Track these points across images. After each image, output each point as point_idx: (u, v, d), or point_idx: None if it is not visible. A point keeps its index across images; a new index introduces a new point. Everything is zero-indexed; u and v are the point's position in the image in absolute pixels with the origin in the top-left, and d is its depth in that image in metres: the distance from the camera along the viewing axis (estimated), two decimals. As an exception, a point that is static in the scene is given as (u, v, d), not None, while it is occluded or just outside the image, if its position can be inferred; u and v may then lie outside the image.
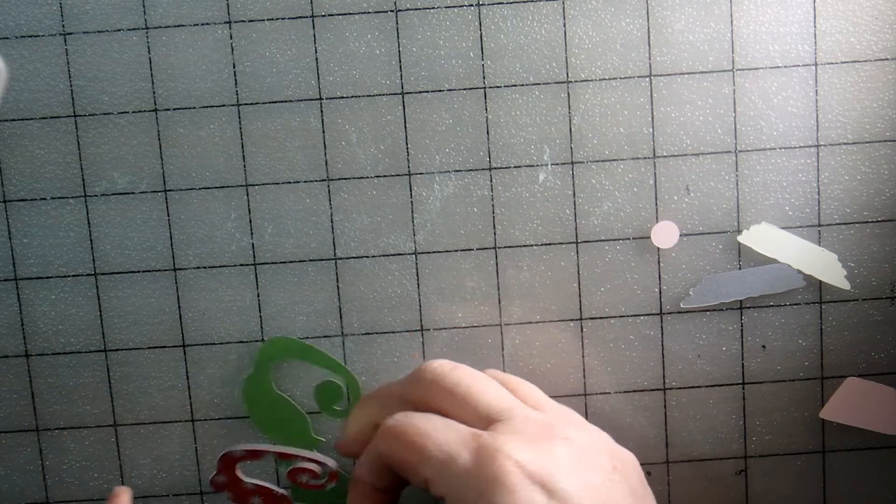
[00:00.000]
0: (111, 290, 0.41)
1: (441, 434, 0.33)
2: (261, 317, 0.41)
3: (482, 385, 0.35)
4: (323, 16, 0.39)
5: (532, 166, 0.40)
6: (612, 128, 0.40)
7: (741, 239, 0.40)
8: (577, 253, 0.41)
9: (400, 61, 0.40)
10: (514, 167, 0.40)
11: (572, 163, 0.40)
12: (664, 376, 0.41)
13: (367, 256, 0.41)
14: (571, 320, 0.41)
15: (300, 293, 0.41)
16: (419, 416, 0.34)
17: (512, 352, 0.41)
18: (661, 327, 0.41)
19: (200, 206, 0.40)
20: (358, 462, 0.36)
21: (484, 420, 0.34)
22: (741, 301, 0.41)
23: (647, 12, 0.39)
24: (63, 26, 0.39)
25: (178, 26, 0.39)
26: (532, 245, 0.41)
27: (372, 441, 0.35)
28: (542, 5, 0.39)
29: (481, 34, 0.39)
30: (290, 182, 0.40)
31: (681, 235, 0.40)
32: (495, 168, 0.40)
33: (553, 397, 0.41)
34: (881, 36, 0.39)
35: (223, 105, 0.40)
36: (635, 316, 0.41)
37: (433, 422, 0.33)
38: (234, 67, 0.40)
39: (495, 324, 0.41)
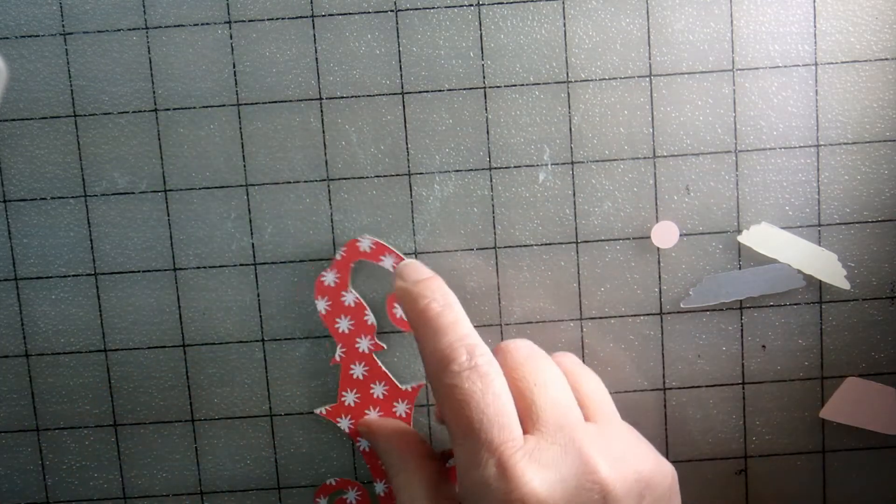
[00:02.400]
0: (111, 290, 0.41)
1: (489, 425, 0.32)
2: (261, 317, 0.41)
3: (545, 386, 0.34)
4: (323, 16, 0.39)
5: (532, 166, 0.40)
6: (612, 128, 0.40)
7: (741, 239, 0.40)
8: (577, 253, 0.41)
9: (400, 61, 0.40)
10: (514, 167, 0.40)
11: (572, 163, 0.40)
12: (664, 376, 0.41)
13: (367, 256, 0.41)
14: (571, 320, 0.41)
15: (300, 293, 0.41)
16: (489, 381, 0.32)
17: (512, 352, 0.41)
18: (661, 327, 0.41)
19: (200, 206, 0.40)
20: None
21: (532, 425, 0.33)
22: (741, 301, 0.41)
23: (647, 12, 0.39)
24: (63, 26, 0.39)
25: (178, 26, 0.39)
26: (532, 245, 0.41)
27: (433, 350, 0.34)
28: (542, 5, 0.39)
29: (481, 34, 0.39)
30: (290, 182, 0.40)
31: (681, 235, 0.40)
32: (495, 168, 0.40)
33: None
34: (881, 36, 0.39)
35: (223, 105, 0.40)
36: (635, 316, 0.41)
37: (490, 402, 0.32)
38: (234, 67, 0.40)
39: (495, 324, 0.41)
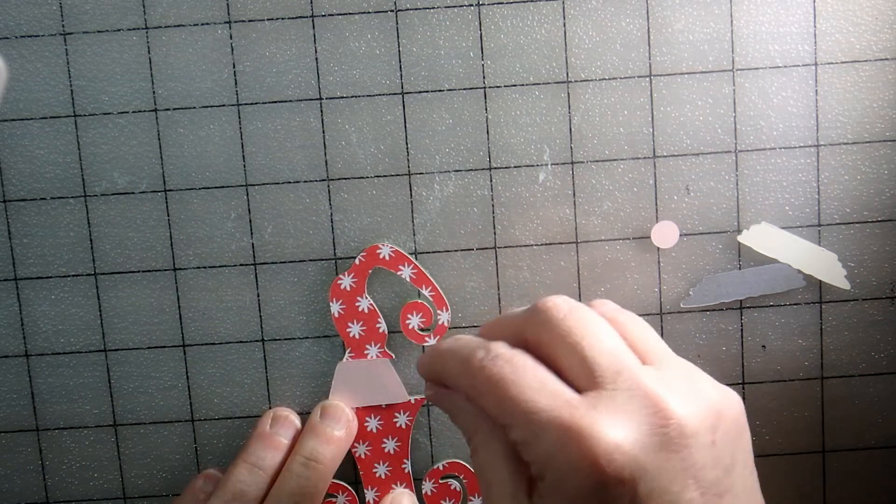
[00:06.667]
0: (111, 290, 0.41)
1: (535, 395, 0.30)
2: (261, 317, 0.41)
3: (595, 337, 0.32)
4: (323, 16, 0.39)
5: (532, 166, 0.40)
6: (612, 128, 0.40)
7: (741, 239, 0.40)
8: (577, 253, 0.41)
9: (400, 61, 0.40)
10: (514, 167, 0.40)
11: (572, 163, 0.40)
12: (664, 376, 0.41)
13: (367, 256, 0.41)
14: (571, 320, 0.41)
15: (300, 293, 0.41)
16: (519, 363, 0.31)
17: (512, 352, 0.41)
18: (661, 327, 0.41)
19: (200, 206, 0.40)
20: (436, 389, 0.34)
21: (588, 380, 0.31)
22: (741, 301, 0.41)
23: (647, 12, 0.39)
24: (63, 26, 0.39)
25: (178, 26, 0.39)
26: (532, 245, 0.41)
27: (457, 371, 0.32)
28: (542, 5, 0.39)
29: (481, 34, 0.39)
30: (290, 182, 0.40)
31: (681, 235, 0.40)
32: (495, 168, 0.40)
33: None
34: (881, 36, 0.39)
35: (223, 105, 0.40)
36: (635, 316, 0.41)
37: (530, 377, 0.30)
38: (234, 67, 0.40)
39: (495, 324, 0.41)
